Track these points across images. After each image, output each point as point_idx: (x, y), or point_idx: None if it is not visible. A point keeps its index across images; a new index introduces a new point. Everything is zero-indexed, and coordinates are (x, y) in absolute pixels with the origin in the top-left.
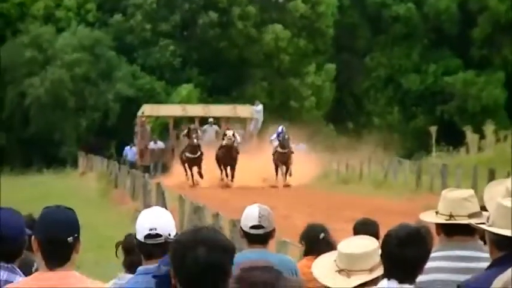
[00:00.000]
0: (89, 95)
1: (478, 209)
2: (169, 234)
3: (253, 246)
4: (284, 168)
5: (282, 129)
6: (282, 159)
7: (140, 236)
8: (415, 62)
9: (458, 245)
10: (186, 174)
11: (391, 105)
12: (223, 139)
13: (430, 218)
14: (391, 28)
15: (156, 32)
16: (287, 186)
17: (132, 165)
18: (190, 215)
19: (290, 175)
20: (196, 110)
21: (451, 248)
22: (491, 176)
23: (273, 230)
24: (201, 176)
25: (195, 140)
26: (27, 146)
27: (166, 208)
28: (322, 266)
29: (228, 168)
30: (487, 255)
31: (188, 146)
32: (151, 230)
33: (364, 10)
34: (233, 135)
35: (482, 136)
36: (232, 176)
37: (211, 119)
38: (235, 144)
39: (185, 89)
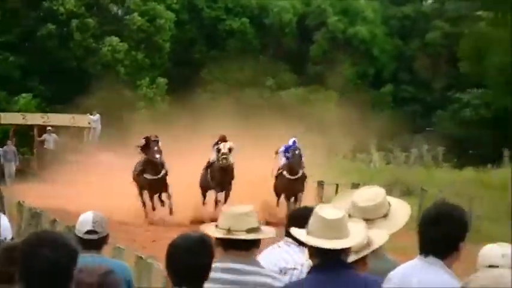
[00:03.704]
0: None
1: (257, 224)
2: (5, 238)
3: (87, 252)
4: (291, 198)
5: (294, 143)
6: (289, 187)
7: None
8: (249, 76)
9: (231, 258)
10: (144, 207)
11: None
12: (218, 152)
13: (209, 231)
14: (226, 42)
15: None
16: None
17: None
18: (28, 221)
19: None
20: (35, 118)
21: (225, 260)
22: (320, 189)
23: (107, 236)
24: (162, 203)
25: (157, 155)
26: None
27: (4, 213)
28: None
29: (223, 194)
30: (258, 269)
31: (147, 162)
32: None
33: (202, 24)
34: (229, 150)
35: None
36: (226, 202)
37: (49, 128)
38: (231, 163)
39: (24, 98)
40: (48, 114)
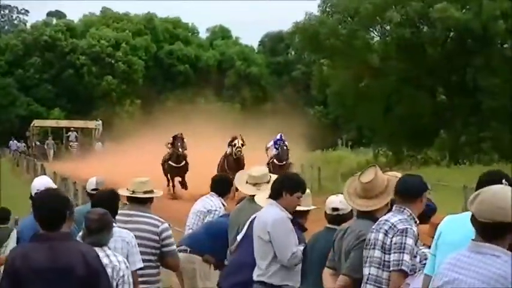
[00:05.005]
0: None
1: (150, 188)
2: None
3: None
4: None
5: (281, 137)
6: (279, 172)
7: (33, 193)
8: (190, 97)
9: (130, 208)
10: (168, 185)
11: None
12: (230, 147)
13: (122, 192)
14: (176, 78)
15: None
16: None
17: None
18: (59, 183)
19: None
20: (64, 123)
21: (128, 208)
22: None
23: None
24: (185, 187)
25: (180, 150)
26: None
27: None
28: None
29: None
30: (146, 214)
31: (172, 154)
32: (38, 190)
33: (161, 68)
34: (242, 145)
35: None
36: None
37: (72, 128)
38: (243, 155)
39: (56, 111)
40: (71, 121)
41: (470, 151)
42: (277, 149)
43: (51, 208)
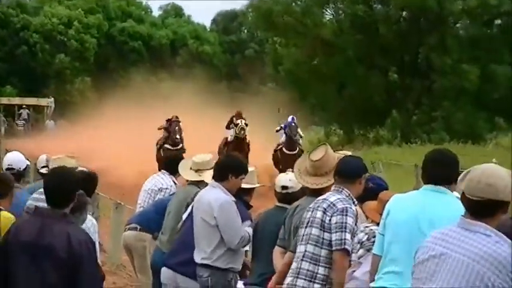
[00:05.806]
0: None
1: (75, 166)
2: (20, 168)
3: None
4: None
5: (293, 120)
6: (290, 162)
7: (5, 168)
8: (142, 75)
9: None
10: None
11: None
12: (229, 128)
13: (43, 170)
14: (128, 56)
15: None
16: None
17: None
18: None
19: None
20: (16, 100)
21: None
22: None
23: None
24: None
25: (178, 137)
26: None
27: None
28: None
29: None
30: None
31: (167, 138)
32: (9, 165)
33: (114, 45)
34: (245, 124)
35: None
36: None
37: (24, 106)
38: (247, 138)
39: (9, 89)
40: (23, 98)
41: (422, 131)
42: (287, 135)
43: (59, 186)
